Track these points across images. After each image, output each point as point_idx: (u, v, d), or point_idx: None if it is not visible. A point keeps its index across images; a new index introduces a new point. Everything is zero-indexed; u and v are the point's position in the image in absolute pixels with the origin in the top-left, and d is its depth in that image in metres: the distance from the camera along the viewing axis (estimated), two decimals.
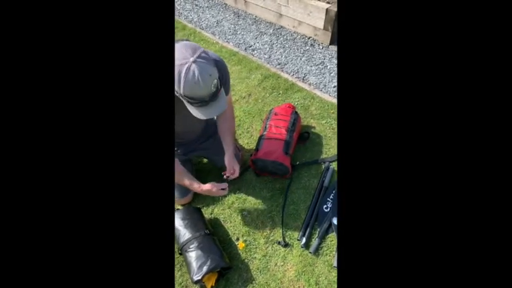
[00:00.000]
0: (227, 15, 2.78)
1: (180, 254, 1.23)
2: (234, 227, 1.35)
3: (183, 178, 1.27)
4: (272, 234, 1.32)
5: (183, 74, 0.90)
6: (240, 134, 1.75)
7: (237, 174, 1.32)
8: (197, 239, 1.21)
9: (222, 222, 1.37)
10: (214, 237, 1.24)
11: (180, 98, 0.98)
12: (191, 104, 0.98)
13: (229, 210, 1.40)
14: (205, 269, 1.13)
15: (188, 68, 0.89)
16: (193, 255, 1.17)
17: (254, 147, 1.54)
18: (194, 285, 1.18)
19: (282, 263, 1.24)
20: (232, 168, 1.31)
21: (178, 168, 1.26)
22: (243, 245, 1.28)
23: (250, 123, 1.80)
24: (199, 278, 1.12)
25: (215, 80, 0.95)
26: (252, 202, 1.43)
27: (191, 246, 1.19)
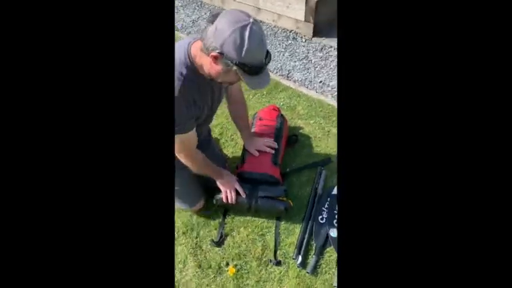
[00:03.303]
0: (203, 14, 2.62)
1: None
2: (223, 250, 1.23)
3: (206, 167, 1.19)
4: (265, 254, 1.20)
5: (247, 35, 0.80)
6: (223, 143, 1.62)
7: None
8: None
9: (209, 246, 1.24)
10: None
11: (233, 68, 0.85)
12: (249, 73, 0.86)
13: (216, 232, 1.27)
14: None
15: (251, 29, 0.80)
16: None
17: (240, 157, 1.42)
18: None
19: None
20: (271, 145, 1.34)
21: (199, 156, 1.15)
22: (234, 270, 1.16)
23: (234, 130, 1.66)
24: None
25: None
26: (240, 220, 1.30)
27: None
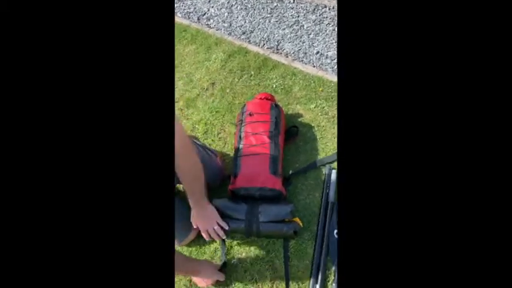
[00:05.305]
0: None
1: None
2: (222, 286, 1.02)
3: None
4: (275, 287, 1.00)
5: None
6: (210, 144, 1.35)
7: (221, 234, 1.00)
8: None
9: None
10: None
11: None
12: None
13: (214, 262, 1.06)
14: None
15: None
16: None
17: (232, 164, 1.16)
18: None
19: None
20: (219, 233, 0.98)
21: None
22: None
23: (221, 125, 1.39)
24: None
25: None
26: (241, 244, 1.09)
27: None
